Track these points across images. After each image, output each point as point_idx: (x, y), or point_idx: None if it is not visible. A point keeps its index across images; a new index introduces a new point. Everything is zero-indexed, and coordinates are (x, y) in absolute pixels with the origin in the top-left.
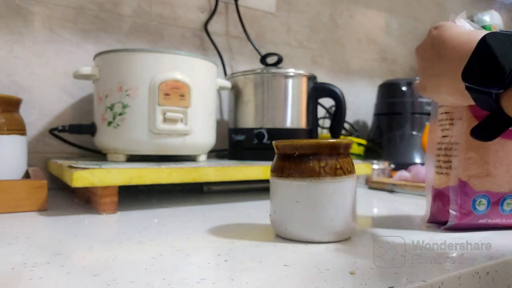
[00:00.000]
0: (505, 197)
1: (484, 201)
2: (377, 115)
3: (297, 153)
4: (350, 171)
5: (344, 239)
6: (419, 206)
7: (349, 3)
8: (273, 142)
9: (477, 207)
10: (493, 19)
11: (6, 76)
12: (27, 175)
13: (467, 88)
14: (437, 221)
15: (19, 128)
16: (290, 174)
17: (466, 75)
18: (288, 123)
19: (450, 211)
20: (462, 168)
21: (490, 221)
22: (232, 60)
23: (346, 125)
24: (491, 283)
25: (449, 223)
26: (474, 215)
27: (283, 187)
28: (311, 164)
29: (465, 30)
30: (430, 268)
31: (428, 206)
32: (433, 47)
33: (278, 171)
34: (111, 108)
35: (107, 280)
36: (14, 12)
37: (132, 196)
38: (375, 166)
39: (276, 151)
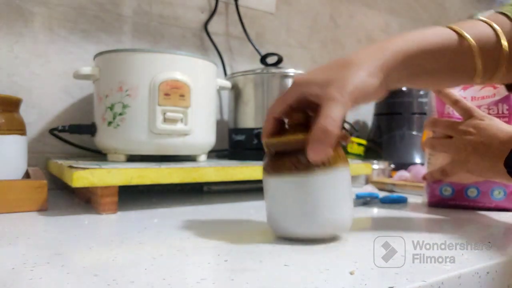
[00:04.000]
0: (468, 186)
1: (449, 189)
2: (377, 115)
3: (273, 150)
4: (325, 165)
5: (326, 236)
6: (419, 206)
7: (349, 3)
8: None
9: (443, 192)
10: None
11: (6, 76)
12: (27, 175)
13: (510, 174)
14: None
15: (19, 128)
16: (267, 170)
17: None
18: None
19: (425, 193)
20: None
21: (459, 203)
22: (232, 60)
23: (346, 125)
24: (491, 283)
25: (425, 200)
26: (442, 198)
27: (264, 182)
28: (283, 160)
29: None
30: (430, 268)
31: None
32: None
33: (263, 168)
34: (111, 108)
35: (107, 280)
36: (14, 12)
37: (132, 196)
38: (375, 166)
39: None
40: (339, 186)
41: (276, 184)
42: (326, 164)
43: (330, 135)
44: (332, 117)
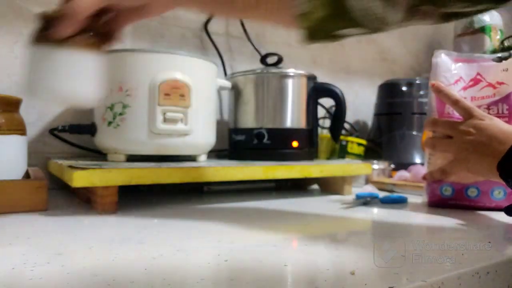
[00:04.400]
0: (468, 186)
1: (449, 188)
2: (377, 115)
3: (41, 25)
4: (68, 42)
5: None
6: (419, 206)
7: None
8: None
9: (443, 192)
10: (493, 19)
11: (6, 76)
12: (27, 175)
13: (501, 177)
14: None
15: (19, 128)
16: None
17: (506, 173)
18: (288, 123)
19: (425, 192)
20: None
21: (459, 203)
22: (232, 60)
23: (346, 125)
24: (491, 283)
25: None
26: (442, 198)
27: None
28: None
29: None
30: (430, 268)
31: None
32: (481, 143)
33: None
34: (111, 108)
35: (107, 280)
36: (14, 12)
37: (132, 196)
38: (375, 166)
39: None
40: (74, 63)
41: (29, 54)
42: (68, 42)
43: (69, 14)
44: (76, 1)
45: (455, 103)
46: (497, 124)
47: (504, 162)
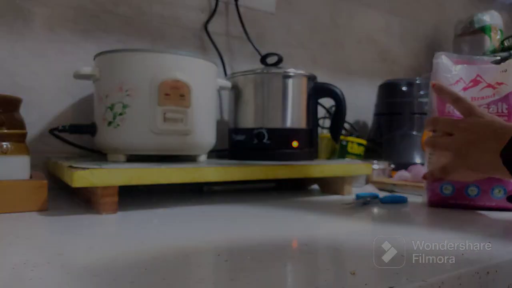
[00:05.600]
0: (468, 185)
1: (449, 187)
2: (377, 115)
3: None
4: None
5: None
6: (419, 206)
7: (349, 3)
8: None
9: (444, 191)
10: (493, 19)
11: (6, 76)
12: None
13: (504, 164)
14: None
15: (19, 128)
16: None
17: (509, 160)
18: (288, 123)
19: (425, 191)
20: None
21: (459, 202)
22: (232, 60)
23: (346, 125)
24: (491, 283)
25: (425, 200)
26: (442, 197)
27: None
28: None
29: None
30: (430, 268)
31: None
32: (469, 141)
33: None
34: (111, 108)
35: (107, 280)
36: (14, 12)
37: (132, 196)
38: (375, 166)
39: None
40: None
41: None
42: None
43: None
44: None
45: (456, 101)
46: (496, 121)
47: (507, 149)
